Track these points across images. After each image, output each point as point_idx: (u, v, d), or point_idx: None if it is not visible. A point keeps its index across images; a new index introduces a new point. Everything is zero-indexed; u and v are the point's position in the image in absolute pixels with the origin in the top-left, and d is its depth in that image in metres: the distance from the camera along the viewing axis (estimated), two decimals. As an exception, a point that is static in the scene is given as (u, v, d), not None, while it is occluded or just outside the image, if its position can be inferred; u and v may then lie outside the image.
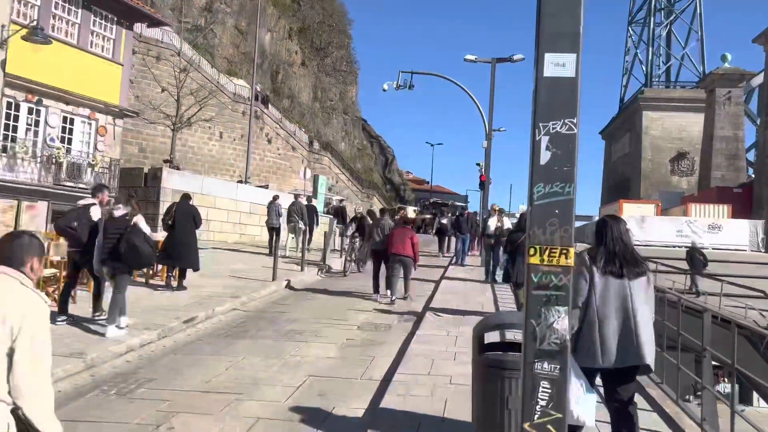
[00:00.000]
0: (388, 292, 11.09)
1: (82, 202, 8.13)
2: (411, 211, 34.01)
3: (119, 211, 7.57)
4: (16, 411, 2.34)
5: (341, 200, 41.59)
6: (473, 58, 16.57)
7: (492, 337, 3.95)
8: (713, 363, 6.61)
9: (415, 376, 5.80)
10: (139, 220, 7.50)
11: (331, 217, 22.54)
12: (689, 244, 21.25)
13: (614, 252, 3.66)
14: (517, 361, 2.86)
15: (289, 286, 12.65)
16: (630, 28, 61.33)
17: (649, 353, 3.58)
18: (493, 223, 13.07)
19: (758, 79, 43.12)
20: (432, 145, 68.96)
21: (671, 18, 57.10)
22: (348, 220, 18.92)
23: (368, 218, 20.38)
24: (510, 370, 3.10)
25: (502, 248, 11.20)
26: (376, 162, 68.71)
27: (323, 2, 59.48)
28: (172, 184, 19.26)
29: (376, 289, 11.36)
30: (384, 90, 20.76)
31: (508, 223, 12.96)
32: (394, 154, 72.05)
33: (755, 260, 26.30)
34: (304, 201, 18.99)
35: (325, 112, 56.09)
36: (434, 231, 25.37)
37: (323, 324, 8.86)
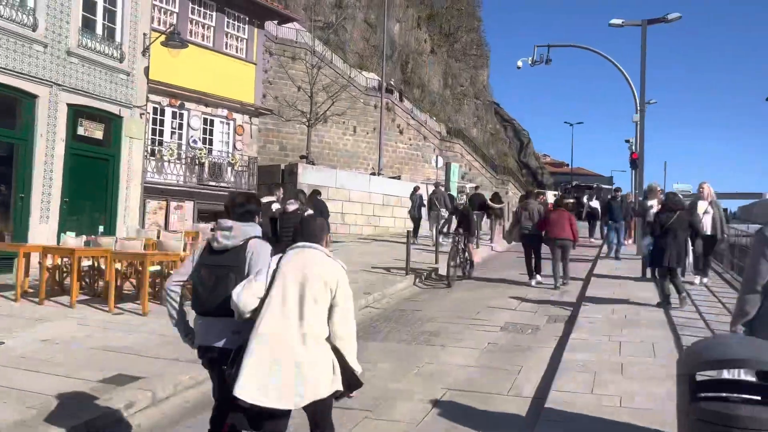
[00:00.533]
0: (537, 277, 11.25)
1: (264, 200, 9.05)
2: (550, 196, 32.06)
3: (292, 206, 8.73)
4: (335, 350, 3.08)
5: (476, 187, 40.38)
6: (620, 22, 14.63)
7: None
8: None
9: (575, 395, 4.80)
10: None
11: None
12: None
13: None
14: (759, 418, 1.86)
15: (429, 277, 12.12)
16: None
17: None
18: (654, 206, 10.52)
19: None
20: (571, 125, 64.53)
21: None
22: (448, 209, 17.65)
23: (492, 203, 19.40)
24: (746, 430, 2.04)
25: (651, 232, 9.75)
26: (510, 146, 66.33)
27: (450, -14, 58.28)
28: (308, 178, 19.49)
29: (531, 274, 11.32)
30: (518, 67, 19.37)
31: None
32: (529, 137, 68.97)
33: None
34: (443, 189, 18.83)
35: (456, 99, 54.99)
36: (584, 215, 23.52)
37: (461, 324, 8.06)
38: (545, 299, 9.93)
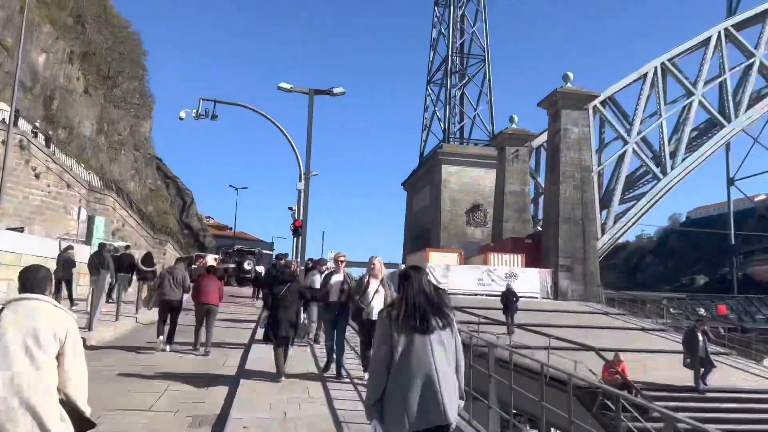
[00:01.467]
0: (168, 347, 10.85)
1: None
2: (211, 259, 30.51)
3: None
4: (61, 399, 3.18)
5: (126, 246, 36.21)
6: (288, 87, 14.39)
7: None
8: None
9: None
10: None
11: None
12: (504, 288, 21.80)
13: (415, 305, 3.49)
14: None
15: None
16: (429, 88, 65.13)
17: (452, 411, 3.34)
18: (336, 283, 8.63)
19: (538, 140, 47.71)
20: (236, 189, 63.87)
21: (464, 81, 61.75)
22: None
23: (143, 265, 17.27)
24: None
25: (272, 306, 8.72)
26: (172, 205, 62.88)
27: (113, 28, 53.81)
28: None
29: (160, 335, 10.93)
30: (181, 119, 17.67)
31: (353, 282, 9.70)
32: (193, 197, 66.75)
33: (555, 308, 27.61)
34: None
35: (112, 148, 49.84)
36: (251, 280, 22.54)
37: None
38: (190, 375, 8.24)
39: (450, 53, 59.80)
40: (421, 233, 57.27)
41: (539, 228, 47.13)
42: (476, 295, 32.77)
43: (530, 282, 34.12)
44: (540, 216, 48.48)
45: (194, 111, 17.27)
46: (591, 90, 38.95)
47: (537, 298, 33.44)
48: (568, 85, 38.00)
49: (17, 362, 2.99)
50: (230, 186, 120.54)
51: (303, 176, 14.73)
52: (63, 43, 44.36)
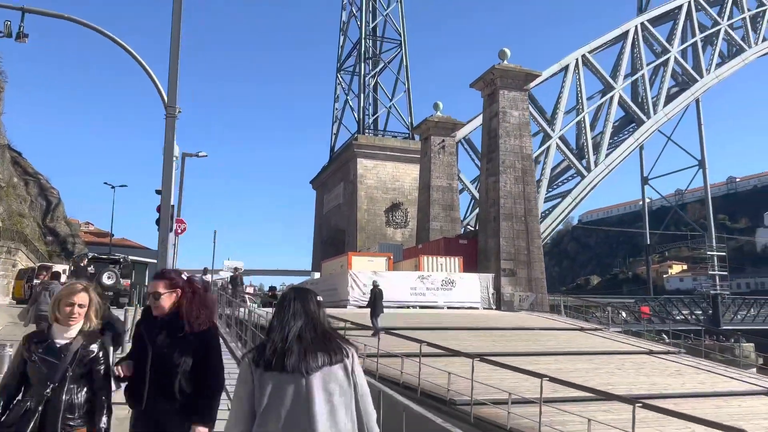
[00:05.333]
0: None
1: None
2: (61, 273, 22.41)
3: None
4: None
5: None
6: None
7: None
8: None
9: None
10: None
11: None
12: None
13: (288, 338, 2.59)
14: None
15: None
16: (339, 75, 58.92)
17: None
18: None
19: (462, 131, 42.81)
20: (113, 187, 52.85)
21: (379, 68, 56.13)
22: None
23: None
24: None
25: None
26: (32, 206, 52.28)
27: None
28: None
29: None
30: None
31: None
32: (60, 197, 56.18)
33: (516, 324, 22.15)
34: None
35: (-56, 133, 39.44)
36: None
37: None
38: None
39: (362, 37, 53.97)
40: (335, 236, 50.86)
41: (469, 228, 42.19)
42: (408, 307, 27.04)
43: (470, 290, 28.77)
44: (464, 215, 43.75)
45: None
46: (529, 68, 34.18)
47: (478, 308, 28.19)
48: (505, 62, 33.19)
49: None
50: (105, 183, 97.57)
51: (166, 112, 8.00)
52: None
